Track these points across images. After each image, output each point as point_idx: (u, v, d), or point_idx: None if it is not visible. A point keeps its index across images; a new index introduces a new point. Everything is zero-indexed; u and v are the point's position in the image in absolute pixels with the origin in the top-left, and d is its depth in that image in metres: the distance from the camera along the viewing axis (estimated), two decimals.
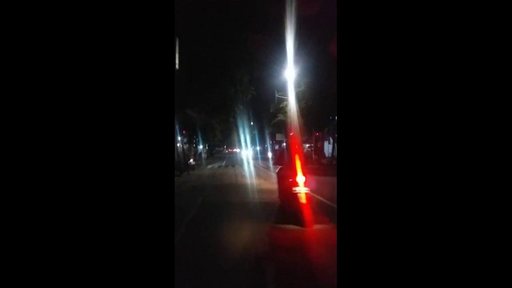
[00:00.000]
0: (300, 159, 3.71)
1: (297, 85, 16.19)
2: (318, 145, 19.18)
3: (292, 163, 3.74)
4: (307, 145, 22.63)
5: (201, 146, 25.65)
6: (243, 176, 10.75)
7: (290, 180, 3.70)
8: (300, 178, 3.58)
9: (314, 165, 15.59)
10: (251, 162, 17.86)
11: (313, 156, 17.24)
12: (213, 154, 39.76)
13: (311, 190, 3.88)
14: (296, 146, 4.06)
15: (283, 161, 4.53)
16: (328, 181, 7.48)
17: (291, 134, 4.86)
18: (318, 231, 3.37)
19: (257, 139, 34.44)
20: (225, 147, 62.77)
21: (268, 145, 35.97)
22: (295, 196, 3.54)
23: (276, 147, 36.63)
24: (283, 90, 18.05)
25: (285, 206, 4.06)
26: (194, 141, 20.19)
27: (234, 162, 20.05)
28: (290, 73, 16.03)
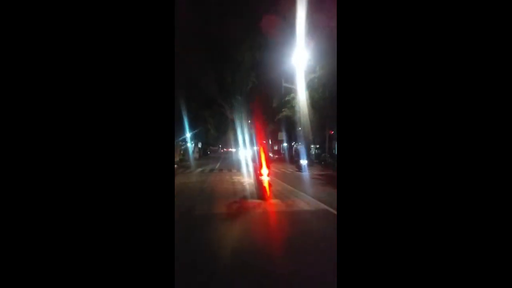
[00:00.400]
0: (265, 159, 5.96)
1: (312, 71, 12.90)
2: (333, 146, 15.89)
3: (260, 160, 5.98)
4: (313, 146, 19.28)
5: (191, 144, 22.28)
6: (245, 191, 6.96)
7: (258, 171, 5.98)
8: (264, 170, 5.83)
9: (328, 170, 12.23)
10: (250, 164, 14.14)
11: (327, 159, 13.90)
12: (207, 153, 36.46)
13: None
14: (263, 150, 6.19)
15: (257, 159, 6.40)
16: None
17: (263, 142, 6.47)
18: (270, 203, 5.19)
19: (254, 138, 31.16)
20: (220, 146, 56.02)
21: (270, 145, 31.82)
22: (261, 181, 5.78)
23: (276, 147, 33.59)
24: (291, 80, 14.70)
25: (256, 189, 6.44)
26: (181, 137, 16.64)
27: (230, 165, 16.23)
28: (300, 55, 12.72)
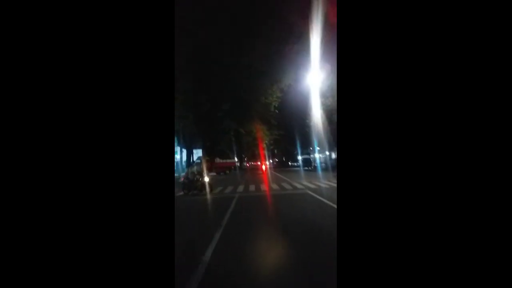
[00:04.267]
0: (264, 163, 28.31)
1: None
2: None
3: (261, 164, 29.90)
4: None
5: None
6: None
7: (260, 167, 29.01)
8: (262, 167, 27.59)
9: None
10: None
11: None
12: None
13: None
14: (263, 160, 30.01)
15: (261, 164, 29.76)
16: None
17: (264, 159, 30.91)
18: (266, 173, 22.10)
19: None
20: (236, 158, 26.01)
21: None
22: (262, 171, 26.25)
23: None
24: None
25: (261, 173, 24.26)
26: None
27: None
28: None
